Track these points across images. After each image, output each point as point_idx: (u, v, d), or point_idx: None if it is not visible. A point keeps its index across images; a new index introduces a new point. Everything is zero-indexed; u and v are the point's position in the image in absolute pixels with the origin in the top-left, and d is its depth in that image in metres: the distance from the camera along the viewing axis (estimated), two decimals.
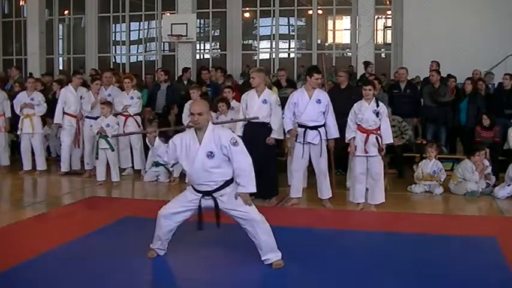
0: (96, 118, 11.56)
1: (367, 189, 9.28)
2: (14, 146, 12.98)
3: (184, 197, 6.24)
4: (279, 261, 6.19)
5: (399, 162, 11.95)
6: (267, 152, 9.31)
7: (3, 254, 6.58)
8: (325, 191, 9.38)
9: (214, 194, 6.07)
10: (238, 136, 9.19)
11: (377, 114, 8.94)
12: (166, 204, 6.36)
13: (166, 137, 6.46)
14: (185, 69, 15.63)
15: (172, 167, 10.55)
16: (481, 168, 10.43)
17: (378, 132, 8.95)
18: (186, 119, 11.16)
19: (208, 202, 6.10)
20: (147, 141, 6.44)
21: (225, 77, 14.31)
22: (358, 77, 16.25)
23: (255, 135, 9.18)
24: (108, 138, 10.86)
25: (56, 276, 5.92)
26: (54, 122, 12.30)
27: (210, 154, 5.96)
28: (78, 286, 5.67)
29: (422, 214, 9.16)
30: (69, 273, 6.01)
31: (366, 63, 15.35)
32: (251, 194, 6.14)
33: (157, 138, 6.23)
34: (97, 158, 11.10)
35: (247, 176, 6.01)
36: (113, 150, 11.00)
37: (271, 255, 6.19)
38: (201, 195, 6.09)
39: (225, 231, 6.44)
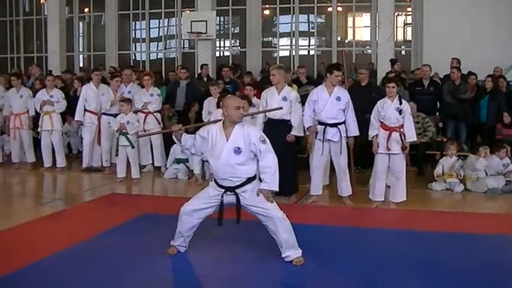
0: (114, 115, 11.62)
1: (388, 187, 9.29)
2: (35, 143, 13.05)
3: (206, 194, 6.26)
4: (299, 258, 6.19)
5: (420, 159, 11.91)
6: (287, 149, 9.26)
7: (23, 250, 6.63)
8: (345, 188, 9.37)
9: (236, 190, 6.09)
10: None
11: (400, 111, 8.92)
12: (188, 201, 6.36)
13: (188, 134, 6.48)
14: (202, 66, 15.62)
15: (203, 162, 10.55)
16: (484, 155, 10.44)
17: (401, 129, 8.93)
18: (206, 116, 11.19)
19: (229, 198, 6.13)
20: (174, 138, 6.46)
21: (244, 73, 14.31)
22: (377, 75, 16.21)
23: (275, 132, 9.13)
24: (128, 135, 10.89)
25: (76, 273, 5.93)
26: (75, 119, 12.41)
27: (238, 150, 6.00)
28: (98, 283, 5.69)
29: (442, 212, 9.12)
30: (88, 270, 6.04)
31: (393, 61, 15.29)
32: (271, 192, 6.14)
33: (184, 134, 6.27)
34: (117, 155, 11.14)
35: (272, 174, 6.04)
36: (133, 147, 11.02)
37: (292, 252, 6.20)
38: (223, 190, 6.12)
39: (245, 227, 6.46)
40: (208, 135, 6.17)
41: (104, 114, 12.01)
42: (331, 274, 5.99)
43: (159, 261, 6.30)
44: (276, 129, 9.18)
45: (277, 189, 6.14)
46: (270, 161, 6.04)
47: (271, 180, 6.05)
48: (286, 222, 6.13)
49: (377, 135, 9.08)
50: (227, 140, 6.06)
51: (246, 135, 6.03)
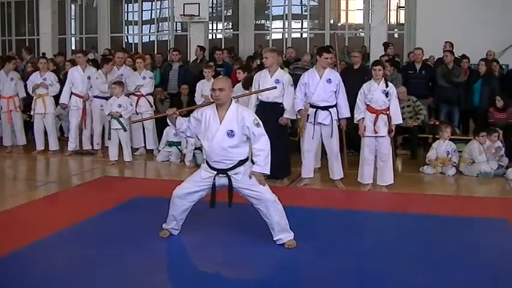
0: (106, 98, 11.60)
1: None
2: (27, 127, 13.03)
3: (199, 176, 6.27)
4: (291, 241, 6.22)
5: (412, 143, 11.93)
6: (279, 132, 9.30)
7: (17, 233, 6.64)
8: (337, 171, 9.40)
9: (229, 172, 6.10)
10: None
11: (386, 94, 8.94)
12: (181, 184, 6.37)
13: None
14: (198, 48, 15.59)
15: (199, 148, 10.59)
16: (493, 149, 10.40)
17: (387, 112, 8.96)
18: (199, 99, 11.19)
19: (222, 181, 6.14)
20: (168, 122, 6.46)
21: (233, 58, 14.30)
22: (370, 58, 16.16)
23: (267, 115, 9.14)
24: (120, 119, 10.90)
25: (69, 255, 5.95)
26: (60, 101, 12.32)
27: (231, 133, 6.01)
28: (91, 265, 5.68)
29: (434, 195, 9.14)
30: (81, 252, 6.04)
31: (386, 45, 15.27)
32: (263, 175, 6.16)
33: (178, 117, 6.27)
34: (109, 139, 11.13)
35: (265, 157, 6.06)
36: (125, 130, 11.03)
37: (284, 235, 6.23)
38: (215, 172, 6.13)
39: (238, 211, 6.51)
40: (202, 117, 6.16)
41: (96, 97, 11.96)
42: (324, 257, 6.00)
43: (152, 244, 6.32)
44: (268, 112, 9.19)
45: (269, 172, 6.15)
46: (263, 145, 6.04)
47: (264, 163, 6.05)
48: (278, 206, 6.16)
49: (363, 118, 9.09)
50: (220, 123, 6.06)
51: (239, 118, 6.02)
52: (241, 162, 6.12)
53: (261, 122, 6.10)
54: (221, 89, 6.02)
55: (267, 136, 6.09)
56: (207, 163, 6.24)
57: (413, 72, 12.82)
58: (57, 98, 12.57)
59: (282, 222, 6.20)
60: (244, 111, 6.17)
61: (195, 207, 6.37)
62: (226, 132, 6.02)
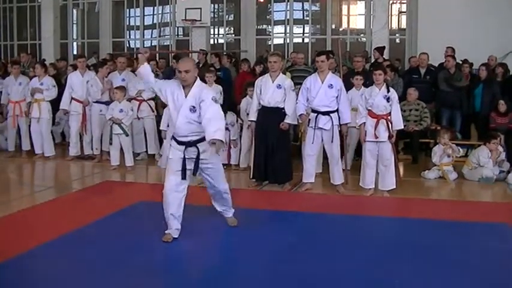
0: (106, 103, 11.61)
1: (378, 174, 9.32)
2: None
3: (174, 162, 6.49)
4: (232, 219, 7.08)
5: (414, 148, 11.92)
6: (281, 137, 9.30)
7: (19, 237, 6.66)
8: (337, 176, 9.40)
9: (197, 145, 6.41)
10: (252, 121, 9.30)
11: (387, 99, 8.95)
12: (165, 180, 6.56)
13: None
14: (200, 51, 15.63)
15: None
16: (497, 156, 10.40)
17: (389, 117, 8.96)
18: None
19: (191, 154, 6.44)
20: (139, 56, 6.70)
21: (241, 61, 14.32)
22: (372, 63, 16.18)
23: (268, 120, 9.20)
24: (122, 124, 10.91)
25: (71, 260, 5.96)
26: (60, 107, 12.30)
27: (193, 108, 6.30)
28: (92, 270, 5.70)
29: (435, 200, 9.16)
30: (84, 256, 6.07)
31: (375, 50, 15.28)
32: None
33: (146, 64, 6.58)
34: (111, 144, 11.14)
35: (214, 124, 6.12)
36: (127, 135, 11.05)
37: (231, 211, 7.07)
38: (183, 147, 6.40)
39: (236, 215, 6.93)
40: (166, 94, 6.48)
41: (95, 102, 11.95)
42: (325, 261, 6.01)
43: (153, 249, 6.34)
44: (270, 117, 9.23)
45: (221, 138, 6.11)
46: (211, 113, 6.16)
47: (214, 130, 6.07)
48: (228, 196, 6.92)
49: (365, 123, 9.11)
50: (185, 97, 6.36)
51: (198, 95, 6.31)
52: (204, 138, 6.34)
53: (219, 101, 6.49)
54: (187, 70, 6.32)
55: (217, 107, 6.26)
56: (175, 140, 6.50)
57: (417, 77, 12.82)
58: (56, 102, 12.53)
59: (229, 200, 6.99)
60: (206, 89, 6.51)
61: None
62: (189, 107, 6.31)
